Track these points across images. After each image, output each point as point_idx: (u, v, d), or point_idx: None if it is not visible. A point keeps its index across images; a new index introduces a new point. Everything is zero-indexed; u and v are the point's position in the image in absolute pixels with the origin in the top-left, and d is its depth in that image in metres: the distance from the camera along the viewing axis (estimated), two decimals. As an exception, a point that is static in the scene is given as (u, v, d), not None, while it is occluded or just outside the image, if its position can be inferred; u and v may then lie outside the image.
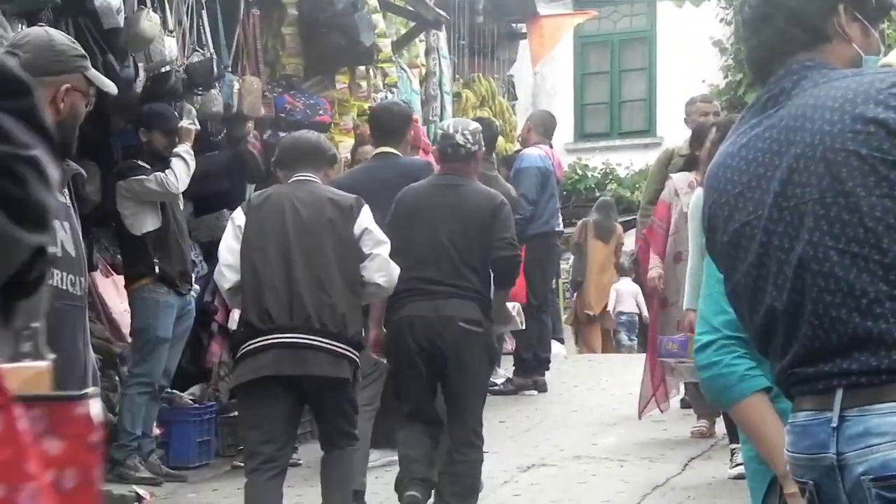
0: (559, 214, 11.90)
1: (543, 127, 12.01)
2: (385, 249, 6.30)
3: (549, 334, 12.00)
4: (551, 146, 12.06)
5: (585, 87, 19.99)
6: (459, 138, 7.17)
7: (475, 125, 7.48)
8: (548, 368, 11.91)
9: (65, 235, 3.80)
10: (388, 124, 8.13)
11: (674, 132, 17.07)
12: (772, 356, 2.80)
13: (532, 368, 11.58)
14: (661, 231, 8.33)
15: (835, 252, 2.61)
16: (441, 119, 13.77)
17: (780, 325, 2.72)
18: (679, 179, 8.29)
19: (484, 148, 7.56)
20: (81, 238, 3.95)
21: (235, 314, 9.16)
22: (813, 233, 2.64)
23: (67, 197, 3.89)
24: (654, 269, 8.26)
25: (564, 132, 19.09)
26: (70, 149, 3.98)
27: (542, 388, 11.62)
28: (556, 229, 11.73)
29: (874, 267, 2.57)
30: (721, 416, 8.44)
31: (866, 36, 2.86)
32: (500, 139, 15.07)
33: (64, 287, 3.79)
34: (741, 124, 2.90)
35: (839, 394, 2.62)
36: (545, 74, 18.92)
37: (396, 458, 8.62)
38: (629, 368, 12.50)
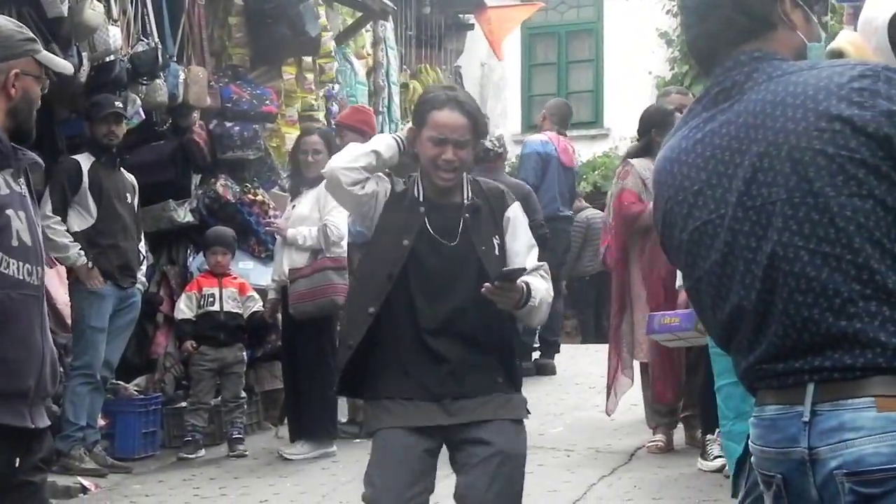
0: (566, 200, 11.90)
1: (559, 115, 12.17)
2: None
3: (558, 318, 12.11)
4: (565, 134, 12.14)
5: (533, 78, 19.99)
6: (488, 143, 9.54)
7: (500, 132, 9.91)
8: (557, 351, 12.13)
9: (20, 225, 3.75)
10: None
11: (620, 123, 17.17)
12: (735, 352, 2.78)
13: (541, 352, 11.90)
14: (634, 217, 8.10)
15: (806, 252, 2.60)
16: (389, 110, 13.76)
17: (748, 323, 2.71)
18: (642, 168, 8.09)
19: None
20: (38, 227, 3.90)
21: (182, 304, 9.12)
22: (782, 233, 2.62)
23: (24, 186, 3.84)
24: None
25: (512, 123, 19.14)
26: (28, 135, 3.93)
27: (550, 371, 11.81)
28: (561, 213, 11.68)
29: (846, 266, 2.56)
30: (684, 416, 8.43)
31: (808, 22, 2.85)
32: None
33: (20, 276, 3.74)
34: (691, 117, 2.87)
35: (811, 388, 2.61)
36: (493, 66, 18.92)
37: (334, 450, 8.66)
38: (575, 359, 12.57)
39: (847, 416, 2.56)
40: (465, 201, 4.68)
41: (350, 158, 4.73)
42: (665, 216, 2.88)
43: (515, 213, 4.78)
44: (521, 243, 4.74)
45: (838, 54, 3.07)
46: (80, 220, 8.38)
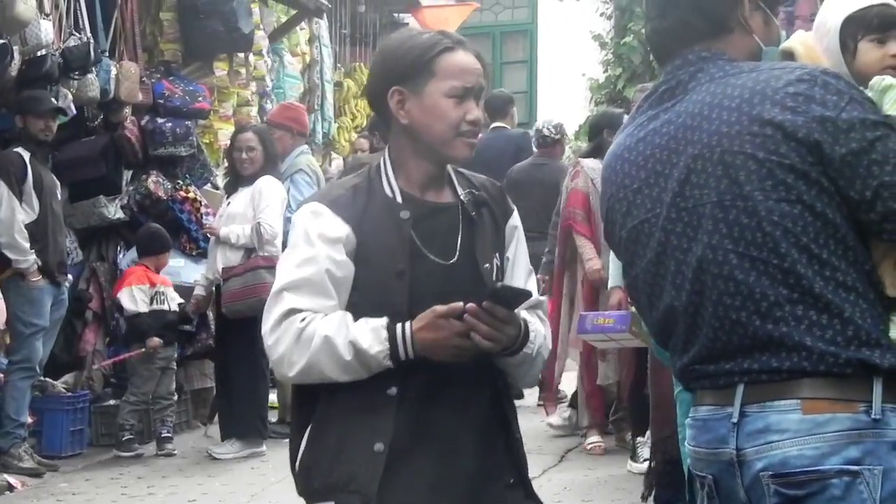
0: None
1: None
2: None
3: None
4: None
5: (467, 78, 20.04)
6: (545, 131, 10.03)
7: (557, 120, 10.24)
8: None
9: None
10: (495, 105, 10.77)
11: (554, 124, 17.23)
12: (672, 351, 2.81)
13: None
14: (585, 220, 8.18)
15: (734, 255, 2.62)
16: (323, 108, 13.73)
17: (680, 323, 2.73)
18: (591, 168, 8.16)
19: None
20: None
21: (136, 295, 8.97)
22: (712, 235, 2.64)
23: None
24: (594, 259, 8.07)
25: (445, 123, 19.15)
26: None
27: None
28: None
29: (773, 271, 2.58)
30: (614, 419, 8.48)
31: (767, 25, 2.85)
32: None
33: None
34: (638, 114, 2.88)
35: (740, 389, 2.63)
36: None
37: (264, 450, 8.62)
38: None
39: (773, 418, 2.59)
40: (463, 197, 3.23)
41: (316, 374, 3.08)
42: (608, 213, 2.91)
43: (519, 224, 3.39)
44: (521, 265, 3.36)
45: (789, 54, 3.09)
46: (25, 215, 8.26)
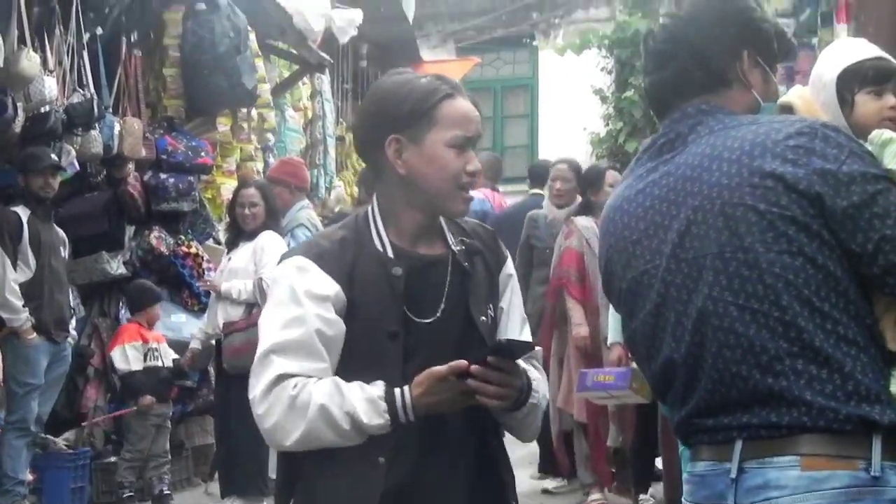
0: None
1: (492, 171, 12.20)
2: None
3: None
4: (498, 190, 12.22)
5: (468, 132, 20.11)
6: None
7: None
8: None
9: None
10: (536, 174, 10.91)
11: (555, 179, 17.26)
12: (671, 404, 2.79)
13: None
14: (578, 281, 8.12)
15: (734, 307, 2.60)
16: (325, 163, 13.75)
17: (679, 375, 2.71)
18: (584, 227, 8.12)
19: None
20: None
21: (128, 354, 8.98)
22: (713, 287, 2.63)
23: None
24: (582, 326, 8.03)
25: (447, 177, 19.18)
26: None
27: None
28: None
29: (774, 324, 2.56)
30: (615, 481, 8.42)
31: (766, 82, 2.86)
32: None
33: None
34: (637, 166, 2.89)
35: (738, 445, 2.61)
36: (429, 119, 19.01)
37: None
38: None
39: (772, 475, 2.57)
40: (454, 247, 3.08)
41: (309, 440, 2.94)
42: (607, 264, 2.90)
43: (513, 272, 3.25)
44: (516, 316, 3.19)
45: (787, 108, 3.11)
46: (20, 273, 8.28)
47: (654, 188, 2.79)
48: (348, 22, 13.06)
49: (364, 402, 2.87)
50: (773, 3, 7.99)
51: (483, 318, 3.06)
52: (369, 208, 3.08)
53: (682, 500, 2.80)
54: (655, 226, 2.76)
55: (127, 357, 8.92)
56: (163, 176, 9.91)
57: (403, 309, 2.97)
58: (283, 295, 2.96)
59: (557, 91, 18.66)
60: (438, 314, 3.01)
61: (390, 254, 3.00)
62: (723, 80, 2.82)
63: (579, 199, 8.65)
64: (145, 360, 8.97)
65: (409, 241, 3.04)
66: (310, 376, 2.91)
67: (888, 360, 2.60)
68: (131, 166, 9.65)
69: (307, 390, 2.89)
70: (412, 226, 3.05)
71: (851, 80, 3.01)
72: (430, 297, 3.02)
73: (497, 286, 3.17)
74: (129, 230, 9.92)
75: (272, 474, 9.27)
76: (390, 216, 3.05)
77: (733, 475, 2.61)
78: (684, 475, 2.82)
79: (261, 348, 2.97)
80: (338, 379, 2.92)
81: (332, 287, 2.95)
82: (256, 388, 2.96)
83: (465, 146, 3.00)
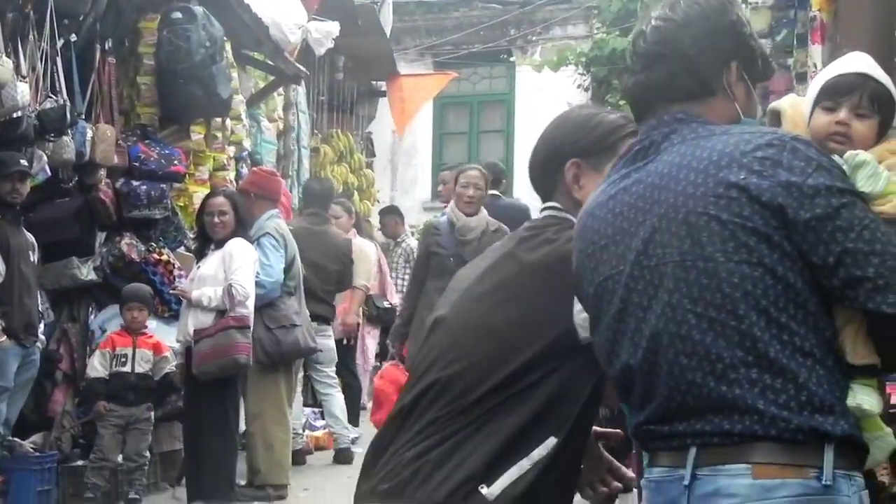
0: None
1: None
2: None
3: None
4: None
5: (444, 146, 20.14)
6: None
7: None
8: None
9: None
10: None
11: (531, 192, 17.26)
12: (629, 409, 2.80)
13: None
14: None
15: (693, 315, 2.61)
16: (299, 173, 13.77)
17: (637, 382, 2.72)
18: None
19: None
20: None
21: (96, 362, 8.99)
22: (672, 294, 2.64)
23: None
24: None
25: (422, 191, 19.22)
26: None
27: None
28: None
29: (730, 333, 2.57)
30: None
31: (748, 97, 2.88)
32: (356, 196, 15.13)
33: None
34: (613, 173, 2.89)
35: (692, 452, 2.62)
36: (404, 133, 19.04)
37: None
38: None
39: (723, 482, 2.58)
40: None
41: None
42: (577, 269, 2.90)
43: None
44: None
45: (776, 114, 3.10)
46: None
47: (624, 195, 2.80)
48: (325, 34, 13.09)
49: None
50: (752, 22, 8.03)
51: None
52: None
53: None
54: (622, 232, 2.77)
55: (94, 364, 8.96)
56: (135, 183, 9.89)
57: None
58: None
59: (534, 107, 18.69)
60: None
61: None
62: (708, 88, 2.83)
63: None
64: (112, 365, 8.98)
65: None
66: None
67: (846, 372, 2.60)
68: (103, 173, 9.62)
69: None
70: None
71: (819, 95, 3.00)
72: None
73: None
74: (100, 236, 9.90)
75: (240, 480, 9.31)
76: None
77: (686, 482, 2.61)
78: (642, 482, 2.82)
79: None
80: None
81: None
82: None
83: None
